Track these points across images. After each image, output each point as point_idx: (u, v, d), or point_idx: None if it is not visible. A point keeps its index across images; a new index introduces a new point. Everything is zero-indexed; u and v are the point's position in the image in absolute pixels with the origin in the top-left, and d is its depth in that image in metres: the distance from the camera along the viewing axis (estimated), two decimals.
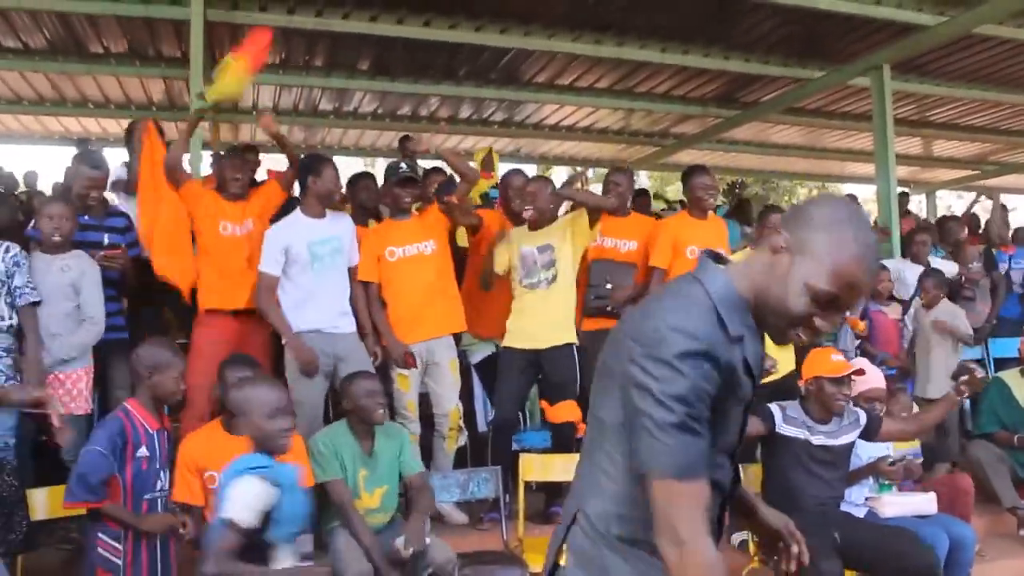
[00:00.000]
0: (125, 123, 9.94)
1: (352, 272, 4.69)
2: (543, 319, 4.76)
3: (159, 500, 3.24)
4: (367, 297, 4.75)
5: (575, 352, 4.78)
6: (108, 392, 4.62)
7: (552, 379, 4.79)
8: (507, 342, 4.85)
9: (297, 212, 4.64)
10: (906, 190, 11.15)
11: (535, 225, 4.86)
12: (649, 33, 7.52)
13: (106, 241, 4.65)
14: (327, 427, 4.08)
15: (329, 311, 4.50)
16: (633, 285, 5.20)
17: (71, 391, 4.12)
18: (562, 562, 1.66)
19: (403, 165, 5.08)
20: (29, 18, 6.91)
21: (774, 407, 3.96)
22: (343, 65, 8.30)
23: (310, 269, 4.47)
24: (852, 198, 9.89)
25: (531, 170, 10.89)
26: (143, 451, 3.18)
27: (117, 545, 3.12)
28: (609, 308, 5.11)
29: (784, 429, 3.90)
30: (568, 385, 4.75)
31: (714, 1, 6.56)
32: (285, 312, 4.45)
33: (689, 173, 5.44)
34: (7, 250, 3.94)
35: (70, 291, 4.16)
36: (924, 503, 4.20)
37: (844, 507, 4.06)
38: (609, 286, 5.16)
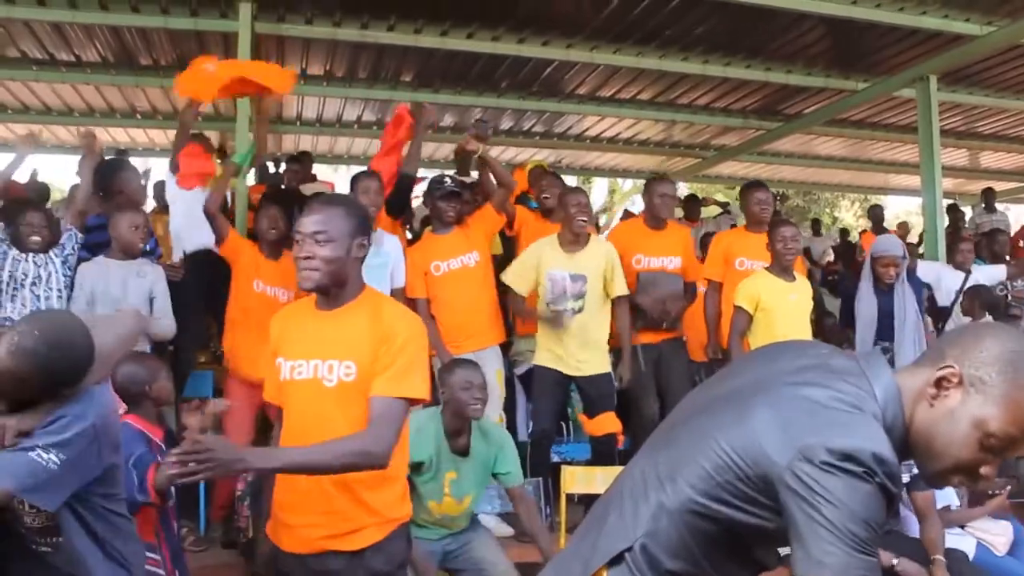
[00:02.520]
0: (173, 134, 10.22)
1: (398, 292, 4.69)
2: (569, 346, 4.72)
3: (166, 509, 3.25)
4: (418, 314, 4.73)
5: (611, 375, 4.81)
6: None
7: (589, 394, 4.79)
8: (539, 360, 4.82)
9: None
10: (955, 202, 11.02)
11: (575, 245, 4.79)
12: (691, 45, 7.50)
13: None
14: (423, 410, 3.68)
15: None
16: (684, 296, 5.20)
17: None
18: None
19: (447, 179, 5.09)
20: (83, 32, 7.08)
21: None
22: (386, 77, 8.38)
23: None
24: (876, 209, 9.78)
25: (571, 182, 10.92)
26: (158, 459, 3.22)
27: (156, 556, 3.14)
28: (664, 325, 5.09)
29: None
30: (606, 398, 4.75)
31: (756, 12, 6.53)
32: None
33: (747, 189, 5.46)
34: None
35: (146, 297, 4.33)
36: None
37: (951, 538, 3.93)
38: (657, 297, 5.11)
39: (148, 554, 3.04)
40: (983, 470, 1.38)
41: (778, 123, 9.71)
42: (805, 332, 4.89)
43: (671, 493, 1.45)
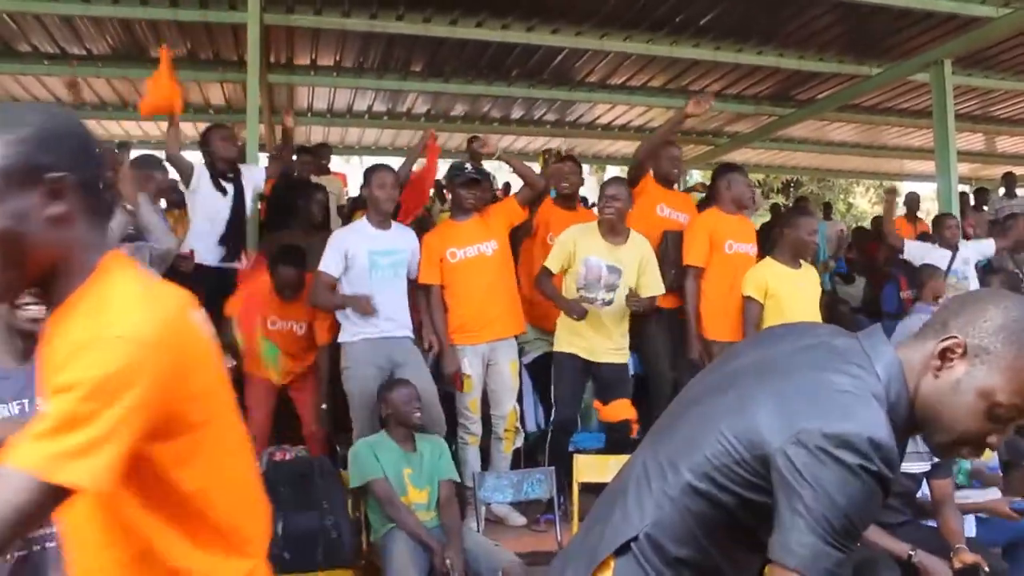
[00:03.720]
0: (184, 126, 10.20)
1: (413, 281, 4.73)
2: (595, 336, 4.71)
3: None
4: (429, 300, 4.75)
5: (628, 366, 4.84)
6: None
7: (606, 380, 4.78)
8: (560, 347, 4.79)
9: (364, 219, 4.69)
10: (985, 187, 10.90)
11: (617, 237, 4.74)
12: (703, 31, 7.45)
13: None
14: (365, 438, 4.13)
15: (385, 320, 4.52)
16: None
17: None
18: None
19: (467, 166, 5.06)
20: (93, 25, 7.10)
21: None
22: (396, 67, 8.37)
23: (368, 277, 4.50)
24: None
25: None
26: None
27: None
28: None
29: None
30: (622, 385, 4.74)
31: None
32: (343, 317, 4.56)
33: (726, 170, 5.40)
34: None
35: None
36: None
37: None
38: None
39: None
40: (990, 439, 1.37)
41: (791, 109, 9.64)
42: (816, 319, 4.86)
43: (672, 481, 1.44)
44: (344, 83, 8.67)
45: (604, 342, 4.71)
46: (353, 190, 8.68)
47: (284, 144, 6.42)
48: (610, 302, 4.62)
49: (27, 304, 1.87)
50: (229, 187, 5.32)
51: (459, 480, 4.23)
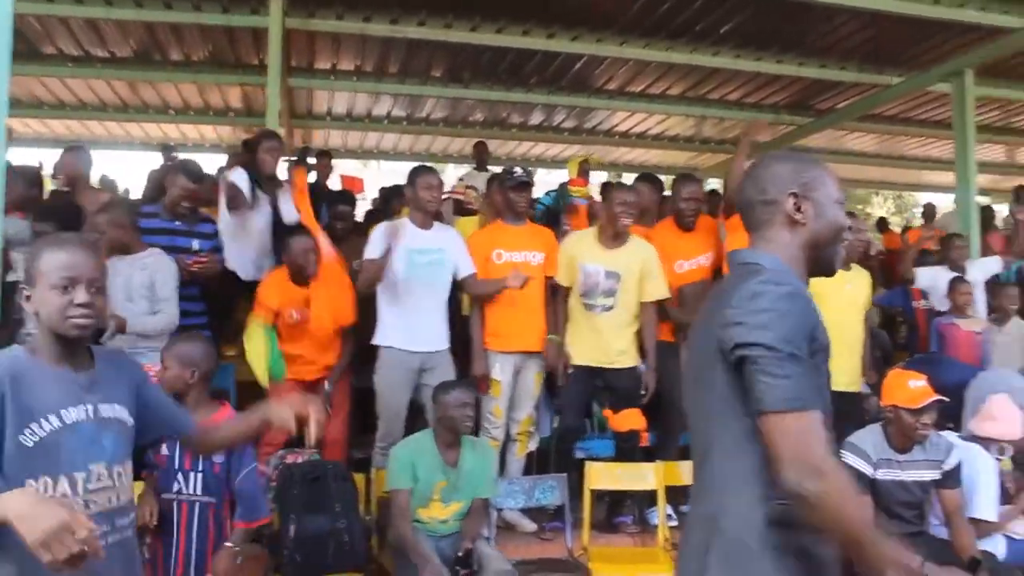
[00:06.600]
0: (204, 129, 10.37)
1: (470, 281, 4.68)
2: (598, 343, 4.69)
3: (174, 503, 3.22)
4: (481, 284, 4.72)
5: (638, 369, 4.76)
6: None
7: (616, 389, 4.76)
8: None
9: (407, 218, 4.68)
10: (989, 203, 10.82)
11: (615, 242, 4.73)
12: (722, 39, 7.44)
13: (195, 246, 4.77)
14: (410, 437, 4.09)
15: (417, 331, 4.53)
16: None
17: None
18: None
19: (517, 169, 5.02)
20: (117, 28, 7.16)
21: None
22: (417, 72, 8.40)
23: (404, 277, 4.49)
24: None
25: (601, 177, 10.89)
26: (164, 449, 3.24)
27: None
28: None
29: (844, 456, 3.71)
30: (632, 394, 4.71)
31: (789, 6, 6.45)
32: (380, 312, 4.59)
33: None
34: None
35: (147, 290, 4.32)
36: None
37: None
38: None
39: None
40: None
41: (810, 119, 9.61)
42: (856, 324, 4.84)
43: (723, 446, 1.66)
44: (364, 88, 8.70)
45: (608, 348, 4.70)
46: (370, 194, 8.70)
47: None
48: (610, 307, 4.64)
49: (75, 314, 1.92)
50: (264, 199, 5.20)
51: (489, 497, 4.13)
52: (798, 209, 1.73)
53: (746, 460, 1.58)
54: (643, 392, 4.73)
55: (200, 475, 3.24)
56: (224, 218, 5.05)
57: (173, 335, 4.09)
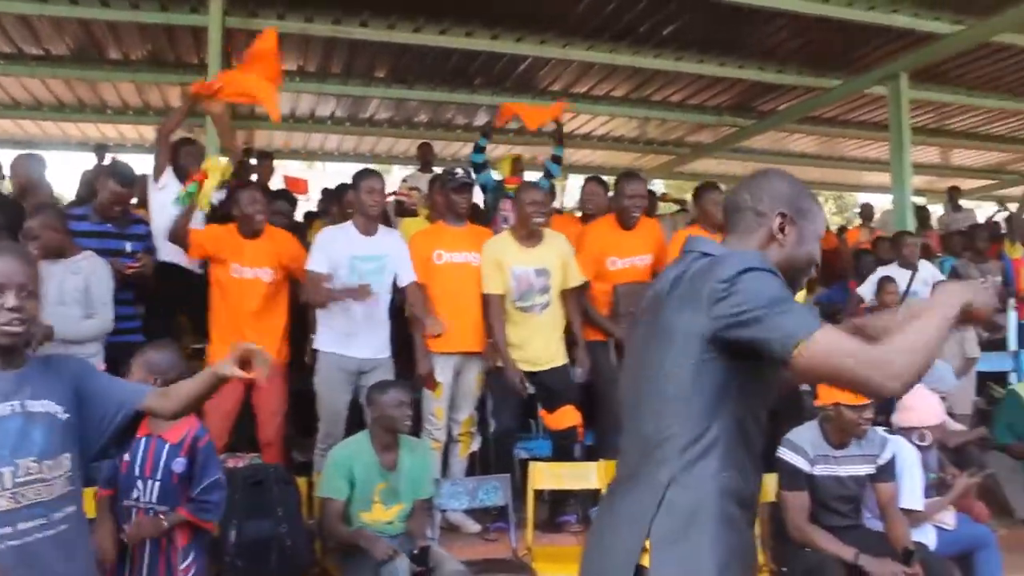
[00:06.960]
0: (143, 129, 10.16)
1: (413, 291, 4.61)
2: (539, 343, 4.70)
3: (132, 510, 3.18)
4: (421, 296, 4.67)
5: (568, 367, 4.78)
6: None
7: (550, 388, 4.76)
8: (496, 361, 4.73)
9: (350, 223, 4.64)
10: (924, 203, 11.09)
11: (532, 239, 4.73)
12: (664, 41, 7.53)
13: (128, 248, 4.67)
14: (348, 439, 4.04)
15: (357, 338, 4.49)
16: None
17: None
18: (645, 563, 1.60)
19: (458, 171, 5.02)
20: (52, 26, 7.00)
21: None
22: (360, 72, 8.35)
23: (346, 285, 4.44)
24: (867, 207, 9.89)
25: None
26: (125, 456, 3.19)
27: None
28: None
29: (781, 452, 3.80)
30: (566, 392, 4.72)
31: (730, 10, 6.56)
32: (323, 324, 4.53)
33: (704, 189, 5.43)
34: None
35: (80, 294, 4.21)
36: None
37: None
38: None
39: None
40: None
41: (752, 120, 9.77)
42: None
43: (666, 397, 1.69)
44: (307, 88, 8.62)
45: (543, 348, 4.71)
46: (314, 195, 8.60)
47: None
48: (547, 304, 4.67)
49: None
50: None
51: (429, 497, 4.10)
52: (782, 230, 1.79)
53: (706, 434, 1.63)
54: (579, 370, 4.75)
55: (158, 483, 3.19)
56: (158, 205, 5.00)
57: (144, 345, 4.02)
